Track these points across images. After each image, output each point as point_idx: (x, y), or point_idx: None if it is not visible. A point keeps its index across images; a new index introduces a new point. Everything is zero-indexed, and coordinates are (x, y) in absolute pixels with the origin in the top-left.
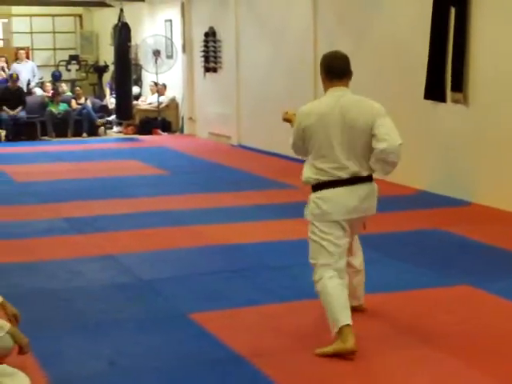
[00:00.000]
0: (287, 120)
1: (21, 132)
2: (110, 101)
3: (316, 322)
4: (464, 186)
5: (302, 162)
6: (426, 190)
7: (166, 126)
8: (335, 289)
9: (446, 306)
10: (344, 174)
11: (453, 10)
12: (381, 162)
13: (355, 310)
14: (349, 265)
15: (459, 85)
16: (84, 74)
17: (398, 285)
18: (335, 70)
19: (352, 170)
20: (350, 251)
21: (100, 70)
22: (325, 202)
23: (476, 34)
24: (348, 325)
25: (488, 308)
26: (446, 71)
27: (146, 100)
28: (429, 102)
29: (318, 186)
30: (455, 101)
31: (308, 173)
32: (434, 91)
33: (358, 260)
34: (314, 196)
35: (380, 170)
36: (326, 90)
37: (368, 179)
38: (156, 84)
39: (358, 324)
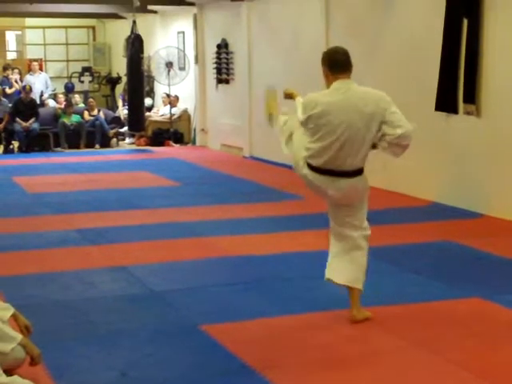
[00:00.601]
0: (289, 95)
1: (34, 143)
2: (123, 112)
3: (328, 335)
4: (476, 198)
5: None
6: (438, 202)
7: (178, 138)
8: None
9: (457, 318)
10: (334, 167)
11: (465, 22)
12: (394, 145)
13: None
14: None
15: (472, 96)
16: (97, 86)
17: (409, 297)
18: (339, 63)
19: (345, 162)
20: None
21: (113, 81)
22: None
23: (488, 45)
24: None
25: (500, 321)
26: (458, 83)
27: (159, 111)
28: (441, 114)
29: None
30: (467, 112)
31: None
32: (446, 103)
33: None
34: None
35: (391, 153)
36: (329, 83)
37: (358, 173)
38: (168, 96)
39: (370, 336)
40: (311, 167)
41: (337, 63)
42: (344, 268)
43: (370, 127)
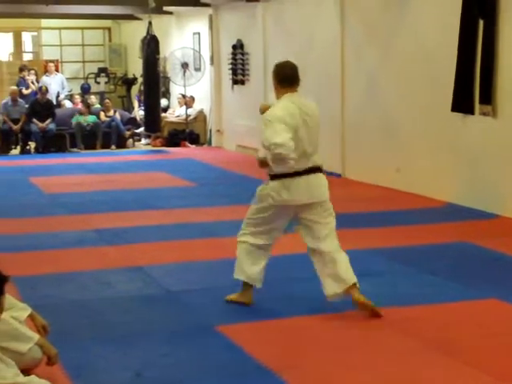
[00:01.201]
0: (264, 110)
1: (50, 144)
2: (139, 113)
3: (343, 335)
4: (492, 199)
5: (328, 174)
6: (454, 203)
7: (194, 139)
8: None
9: (474, 319)
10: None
11: (481, 23)
12: None
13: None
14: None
15: (488, 97)
16: (113, 87)
17: (425, 298)
18: (288, 78)
19: (312, 161)
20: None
21: (128, 82)
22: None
23: (504, 46)
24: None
25: None
26: (474, 83)
27: (174, 112)
28: (457, 114)
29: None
30: (484, 113)
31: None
32: (462, 103)
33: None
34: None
35: None
36: (279, 95)
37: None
38: (184, 96)
39: (386, 337)
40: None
41: (286, 78)
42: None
43: (316, 133)
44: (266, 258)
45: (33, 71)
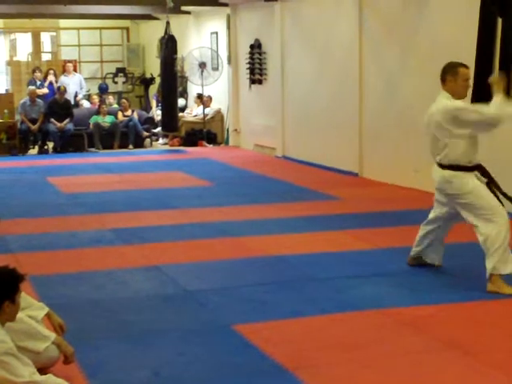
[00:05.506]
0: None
1: (68, 144)
2: (156, 113)
3: (360, 334)
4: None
5: (345, 173)
6: None
7: (212, 138)
8: None
9: (493, 319)
10: None
11: (500, 21)
12: None
13: None
14: None
15: (506, 95)
16: (130, 87)
17: (442, 297)
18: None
19: None
20: None
21: (146, 82)
22: None
23: None
24: None
25: None
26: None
27: (192, 112)
28: None
29: None
30: None
31: None
32: (481, 103)
33: None
34: None
35: None
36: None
37: None
38: (200, 96)
39: (402, 337)
40: None
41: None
42: None
43: None
44: None
45: (52, 71)
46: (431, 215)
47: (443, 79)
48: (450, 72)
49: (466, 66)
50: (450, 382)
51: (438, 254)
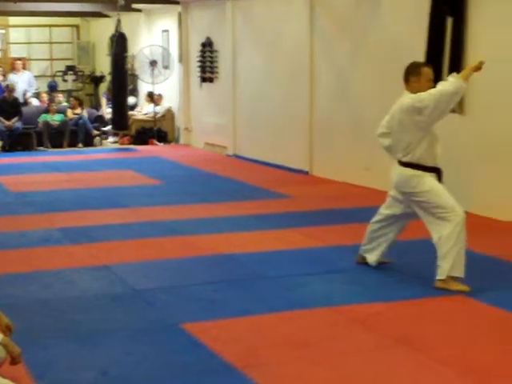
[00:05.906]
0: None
1: (17, 142)
2: (107, 111)
3: (310, 332)
4: (460, 196)
5: (296, 172)
6: None
7: (162, 137)
8: None
9: (441, 316)
10: None
11: (449, 20)
12: None
13: None
14: None
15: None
16: (80, 85)
17: (392, 294)
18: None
19: None
20: None
21: (96, 80)
22: None
23: (472, 44)
24: None
25: (482, 319)
26: (441, 80)
27: (142, 110)
28: None
29: None
30: (452, 111)
31: None
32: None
33: None
34: None
35: None
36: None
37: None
38: (151, 94)
39: (353, 334)
40: None
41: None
42: None
43: None
44: None
45: (0, 69)
46: (384, 212)
47: (406, 80)
48: (413, 72)
49: (429, 66)
50: (400, 379)
51: (383, 251)
